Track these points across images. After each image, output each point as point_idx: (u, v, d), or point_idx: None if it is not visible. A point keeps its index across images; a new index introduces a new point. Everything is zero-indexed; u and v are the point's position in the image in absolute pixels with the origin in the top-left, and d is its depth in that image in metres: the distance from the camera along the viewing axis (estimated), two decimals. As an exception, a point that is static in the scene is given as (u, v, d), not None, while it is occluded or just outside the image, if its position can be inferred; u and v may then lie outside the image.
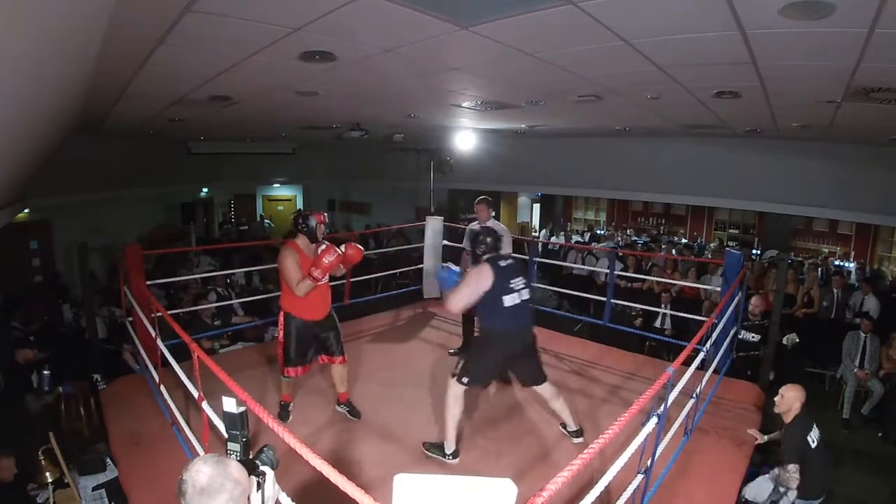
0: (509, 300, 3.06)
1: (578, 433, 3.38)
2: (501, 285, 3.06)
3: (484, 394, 4.15)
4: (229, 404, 1.61)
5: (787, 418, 3.15)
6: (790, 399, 3.11)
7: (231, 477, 1.20)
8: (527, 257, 5.83)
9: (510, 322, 3.10)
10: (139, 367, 4.18)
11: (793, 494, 3.05)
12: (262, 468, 1.39)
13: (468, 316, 4.70)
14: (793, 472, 2.98)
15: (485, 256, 3.17)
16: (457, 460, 3.18)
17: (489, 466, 3.12)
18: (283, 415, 3.59)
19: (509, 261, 3.19)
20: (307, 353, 3.50)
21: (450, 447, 3.16)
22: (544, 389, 3.30)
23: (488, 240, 3.20)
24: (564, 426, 3.41)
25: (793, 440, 3.05)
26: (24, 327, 5.54)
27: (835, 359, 5.57)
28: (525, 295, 3.15)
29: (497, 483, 1.24)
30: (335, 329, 3.60)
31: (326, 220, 3.46)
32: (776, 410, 3.20)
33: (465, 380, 3.09)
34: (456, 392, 3.10)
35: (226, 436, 1.59)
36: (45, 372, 3.96)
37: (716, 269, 7.22)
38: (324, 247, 3.39)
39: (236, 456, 1.51)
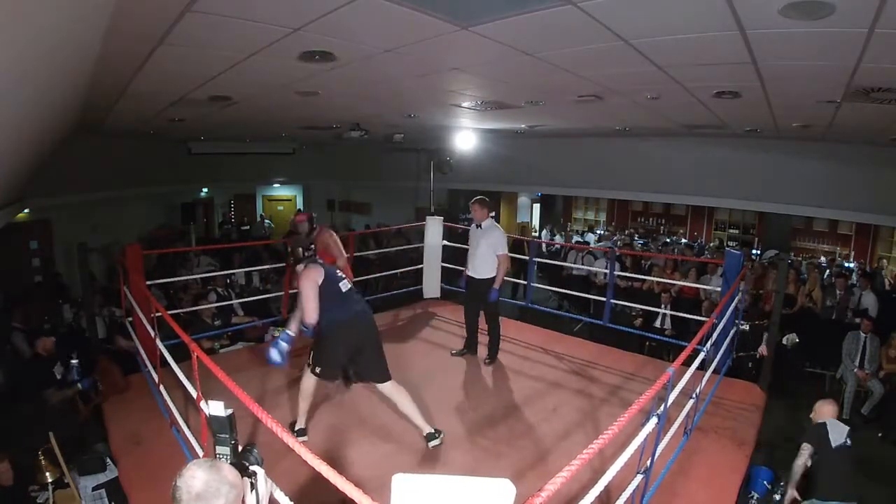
0: (344, 286, 3.19)
1: (433, 435, 3.24)
2: (333, 275, 3.18)
3: (484, 394, 4.15)
4: (216, 408, 1.58)
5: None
6: (823, 412, 3.27)
7: (226, 481, 1.19)
8: (526, 257, 5.83)
9: (346, 308, 3.16)
10: (135, 343, 4.17)
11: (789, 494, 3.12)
12: (252, 468, 1.38)
13: (472, 316, 4.71)
14: (806, 451, 3.11)
15: (308, 258, 3.25)
16: (305, 438, 3.32)
17: (488, 466, 3.12)
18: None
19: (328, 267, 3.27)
20: None
21: (298, 425, 3.37)
22: (387, 388, 3.25)
23: (307, 246, 3.31)
24: (422, 432, 3.27)
25: (814, 429, 3.19)
26: (24, 327, 5.53)
27: (835, 359, 5.57)
28: (348, 285, 3.26)
29: (496, 483, 1.24)
30: None
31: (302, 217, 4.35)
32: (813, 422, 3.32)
33: (317, 370, 3.23)
34: (309, 381, 3.27)
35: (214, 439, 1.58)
36: (74, 361, 3.79)
37: (715, 269, 7.22)
38: None
39: (227, 459, 1.50)
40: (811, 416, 3.35)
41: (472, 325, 4.76)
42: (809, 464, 3.16)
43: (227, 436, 1.54)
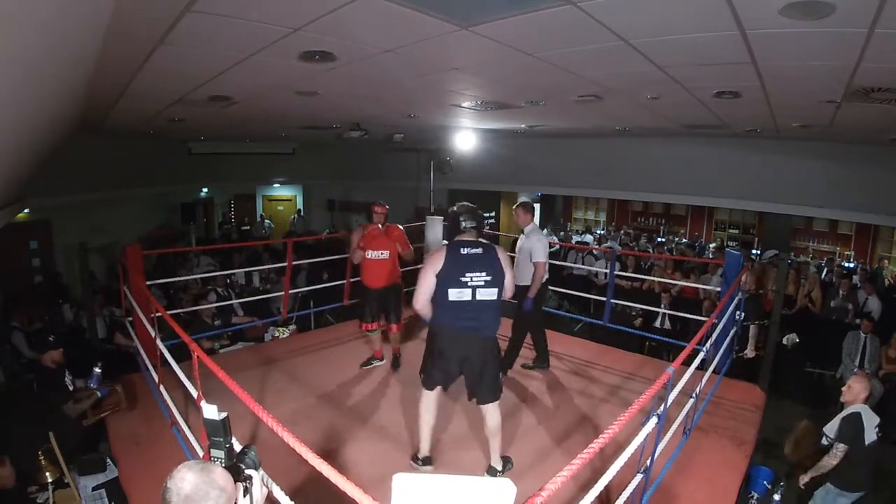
0: (454, 294, 2.68)
1: (493, 471, 2.93)
2: (450, 274, 2.68)
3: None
4: (210, 411, 1.56)
5: (851, 406, 3.12)
6: (856, 390, 3.11)
7: (216, 485, 1.18)
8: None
9: (451, 319, 2.73)
10: (135, 343, 4.15)
11: (822, 492, 3.09)
12: (247, 472, 1.37)
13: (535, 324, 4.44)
14: (841, 451, 2.99)
15: (454, 239, 2.84)
16: (430, 467, 2.99)
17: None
18: (364, 363, 4.58)
19: (477, 249, 2.74)
20: (371, 314, 4.30)
21: (422, 453, 3.01)
22: (487, 410, 2.86)
23: (460, 220, 2.81)
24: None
25: (851, 424, 3.03)
26: (24, 327, 5.54)
27: (835, 359, 5.57)
28: (484, 293, 2.70)
29: (496, 483, 1.24)
30: (394, 299, 4.34)
31: (383, 209, 4.30)
32: (842, 399, 3.18)
33: (421, 375, 2.98)
34: (422, 396, 2.95)
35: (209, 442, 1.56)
36: (97, 370, 3.63)
37: (715, 269, 7.22)
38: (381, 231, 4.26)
39: (221, 462, 1.48)
40: (843, 390, 3.17)
41: (535, 337, 4.52)
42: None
43: (222, 439, 1.52)
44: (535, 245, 4.13)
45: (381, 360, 4.60)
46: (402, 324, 4.48)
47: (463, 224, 2.82)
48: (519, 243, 4.38)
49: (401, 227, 4.44)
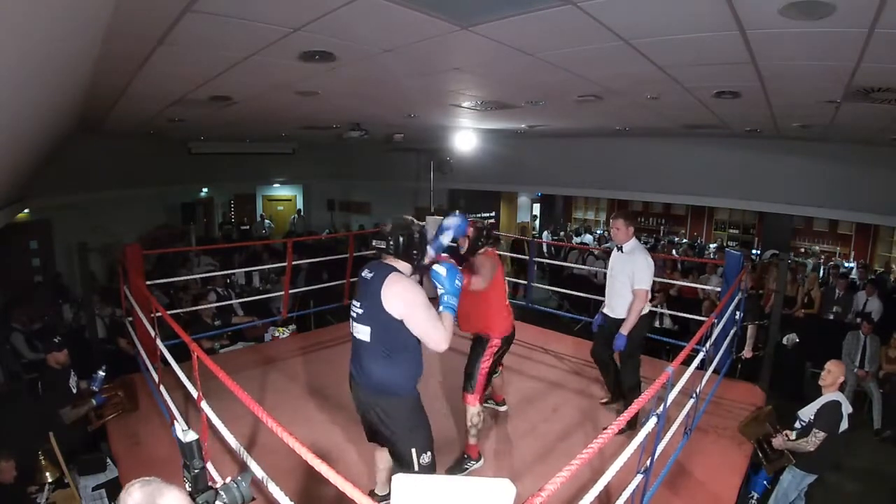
0: (353, 327, 2.23)
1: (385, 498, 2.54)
2: (351, 304, 2.26)
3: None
4: (179, 431, 1.46)
5: (829, 391, 3.25)
6: (836, 374, 3.24)
7: None
8: (526, 257, 5.82)
9: (352, 357, 2.28)
10: (137, 350, 4.11)
11: (789, 475, 3.22)
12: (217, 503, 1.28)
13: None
14: (819, 439, 3.08)
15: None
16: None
17: (488, 466, 3.11)
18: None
19: (370, 273, 2.19)
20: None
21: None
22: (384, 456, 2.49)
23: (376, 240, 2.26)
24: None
25: (831, 412, 3.13)
26: (24, 328, 5.54)
27: (834, 359, 5.56)
28: (358, 330, 2.18)
29: (496, 483, 1.24)
30: (472, 355, 3.19)
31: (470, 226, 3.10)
32: (821, 383, 3.30)
33: None
34: None
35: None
36: (101, 373, 3.55)
37: (714, 269, 7.22)
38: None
39: (188, 486, 1.38)
40: (823, 374, 3.28)
41: (608, 371, 3.81)
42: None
43: (190, 463, 1.42)
44: (640, 269, 3.29)
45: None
46: (480, 395, 3.07)
47: (374, 242, 2.26)
48: (613, 262, 3.54)
49: (489, 248, 3.26)
